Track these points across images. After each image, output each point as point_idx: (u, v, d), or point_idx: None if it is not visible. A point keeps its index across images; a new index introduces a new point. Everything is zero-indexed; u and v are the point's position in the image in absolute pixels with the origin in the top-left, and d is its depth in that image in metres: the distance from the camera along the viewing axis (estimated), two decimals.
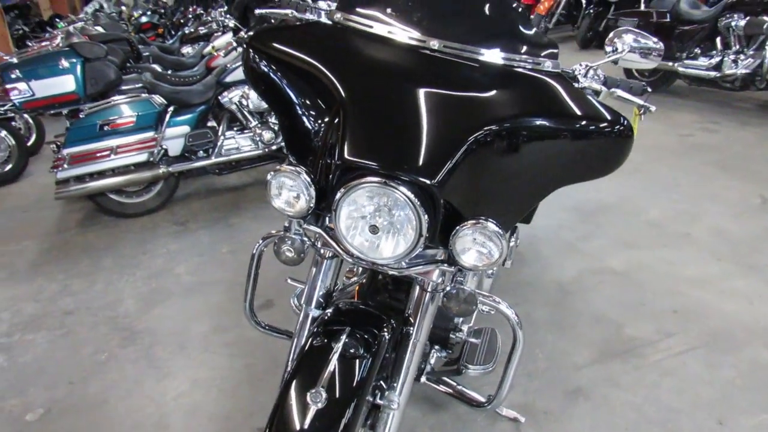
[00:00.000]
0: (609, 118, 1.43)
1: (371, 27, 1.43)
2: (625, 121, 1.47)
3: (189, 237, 3.54)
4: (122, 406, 2.20)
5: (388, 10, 1.45)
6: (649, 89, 1.67)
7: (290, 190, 1.35)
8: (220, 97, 3.83)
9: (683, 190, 3.52)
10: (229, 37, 4.69)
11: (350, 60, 1.40)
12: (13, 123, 4.95)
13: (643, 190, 3.57)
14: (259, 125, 3.85)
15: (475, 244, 1.29)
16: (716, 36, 4.84)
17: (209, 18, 5.53)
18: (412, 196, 1.20)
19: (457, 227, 1.27)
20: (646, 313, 2.46)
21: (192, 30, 5.88)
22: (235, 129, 3.92)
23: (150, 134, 3.55)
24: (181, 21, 6.94)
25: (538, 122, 1.33)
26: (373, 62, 1.39)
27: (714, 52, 4.86)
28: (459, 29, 1.40)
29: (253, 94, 3.86)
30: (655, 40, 1.58)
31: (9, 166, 4.73)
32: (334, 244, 1.39)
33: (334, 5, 1.60)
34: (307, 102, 1.45)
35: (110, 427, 2.11)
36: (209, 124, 3.87)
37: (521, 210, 1.46)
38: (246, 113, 3.84)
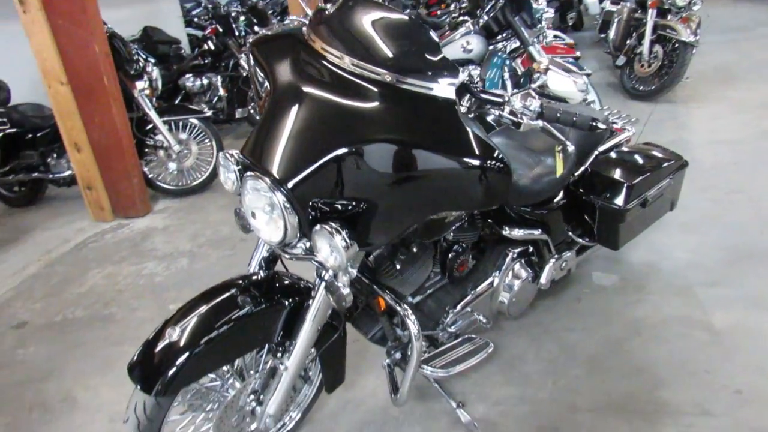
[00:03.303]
0: (481, 152, 1.43)
1: (314, 42, 1.63)
2: (503, 158, 1.45)
3: None
4: None
5: (325, 28, 1.62)
6: (602, 126, 1.52)
7: (224, 172, 1.69)
8: None
9: None
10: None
11: (284, 68, 1.59)
12: None
13: None
14: None
15: (329, 247, 1.43)
16: None
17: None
18: (279, 194, 1.40)
19: (315, 227, 1.43)
20: (702, 382, 2.13)
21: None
22: None
23: None
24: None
25: (406, 145, 1.40)
26: (295, 72, 1.56)
27: None
28: (368, 49, 1.48)
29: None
30: (584, 73, 1.46)
31: None
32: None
33: None
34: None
35: None
36: None
37: (391, 228, 1.52)
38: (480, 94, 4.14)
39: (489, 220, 2.12)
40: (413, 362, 1.79)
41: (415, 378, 1.84)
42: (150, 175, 4.43)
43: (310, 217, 1.46)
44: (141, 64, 4.34)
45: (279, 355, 1.75)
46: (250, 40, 5.54)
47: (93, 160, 4.05)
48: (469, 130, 1.46)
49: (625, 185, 2.28)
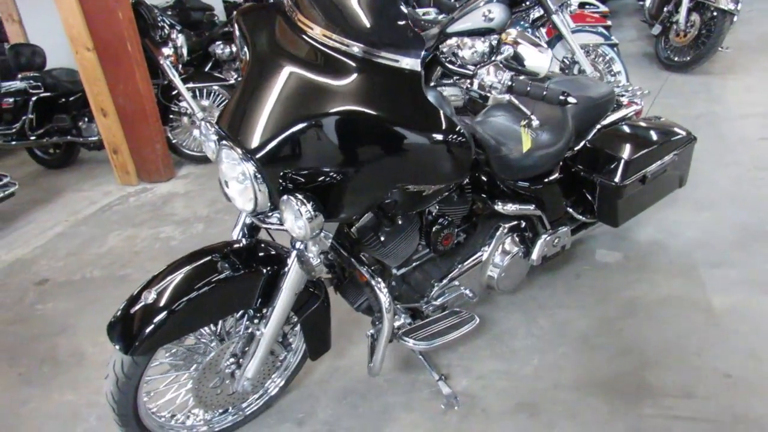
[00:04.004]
0: (442, 126, 1.43)
1: (293, 13, 1.61)
2: (464, 132, 1.45)
3: None
4: None
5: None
6: (572, 100, 1.49)
7: (204, 141, 1.72)
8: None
9: None
10: None
11: (262, 39, 1.60)
12: None
13: None
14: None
15: (294, 217, 1.45)
16: None
17: None
18: (250, 165, 1.43)
19: (283, 197, 1.45)
20: (691, 365, 2.10)
21: None
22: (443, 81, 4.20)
23: None
24: None
25: (370, 118, 1.40)
26: (270, 44, 1.57)
27: None
28: (338, 21, 1.48)
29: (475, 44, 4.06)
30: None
31: None
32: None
33: None
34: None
35: None
36: None
37: (357, 201, 1.53)
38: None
39: (483, 195, 2.11)
40: (384, 334, 1.82)
41: (386, 349, 1.87)
42: (174, 141, 4.54)
43: (281, 188, 1.49)
44: (166, 31, 4.41)
45: (256, 321, 1.81)
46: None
47: (119, 125, 4.18)
48: (432, 103, 1.46)
49: (622, 161, 2.23)
